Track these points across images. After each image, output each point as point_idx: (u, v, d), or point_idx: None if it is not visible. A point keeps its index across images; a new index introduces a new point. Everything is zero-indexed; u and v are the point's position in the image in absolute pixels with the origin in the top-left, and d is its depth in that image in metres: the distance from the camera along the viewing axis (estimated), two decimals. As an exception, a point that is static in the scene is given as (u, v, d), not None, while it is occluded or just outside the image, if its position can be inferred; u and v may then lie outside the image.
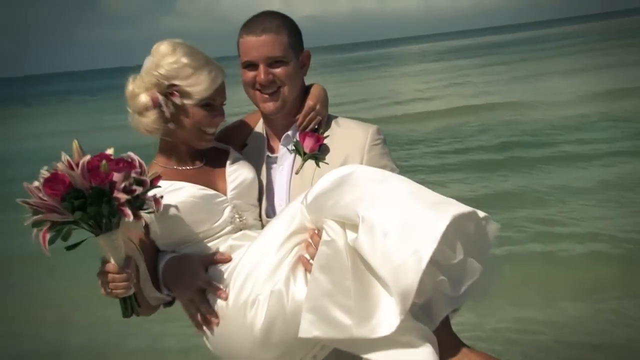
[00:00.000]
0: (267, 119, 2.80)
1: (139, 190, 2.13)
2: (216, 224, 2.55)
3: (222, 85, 2.58)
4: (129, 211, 2.08)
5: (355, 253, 2.04)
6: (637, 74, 23.21)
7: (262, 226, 2.66)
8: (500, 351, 5.35)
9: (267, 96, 2.66)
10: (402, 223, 1.96)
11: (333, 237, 2.09)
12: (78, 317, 7.33)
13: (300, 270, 2.26)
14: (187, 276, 2.45)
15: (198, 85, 2.50)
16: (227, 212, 2.57)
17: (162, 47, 2.53)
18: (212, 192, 2.57)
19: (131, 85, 2.55)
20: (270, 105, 2.68)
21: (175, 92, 2.50)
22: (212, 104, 2.56)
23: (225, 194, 2.61)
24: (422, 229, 1.93)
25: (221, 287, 2.39)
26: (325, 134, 2.72)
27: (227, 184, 2.64)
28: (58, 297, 7.99)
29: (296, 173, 2.70)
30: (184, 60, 2.50)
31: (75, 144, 2.12)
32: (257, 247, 2.37)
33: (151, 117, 2.53)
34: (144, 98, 2.51)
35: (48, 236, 2.08)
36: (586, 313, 6.09)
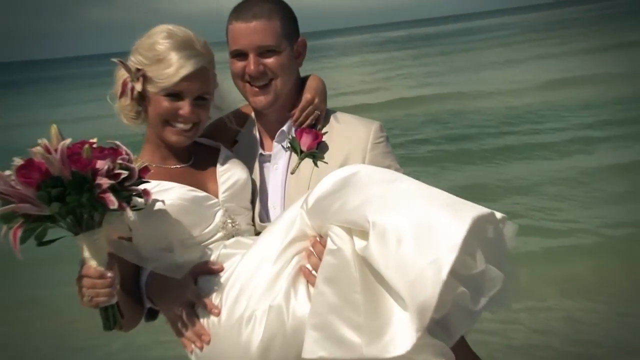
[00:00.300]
0: (260, 113, 2.61)
1: (124, 174, 1.91)
2: (207, 229, 2.36)
3: (195, 74, 2.32)
4: (112, 198, 1.86)
5: (364, 263, 1.87)
6: (576, 64, 23.65)
7: (256, 231, 2.48)
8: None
9: (257, 89, 2.48)
10: (417, 229, 1.80)
11: (339, 245, 1.91)
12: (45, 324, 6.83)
13: (302, 283, 2.08)
14: (175, 288, 2.24)
15: (162, 72, 2.29)
16: (219, 216, 2.39)
17: (150, 31, 2.36)
18: (202, 193, 2.38)
19: (116, 69, 2.40)
20: (261, 100, 2.49)
21: (140, 78, 2.33)
22: (179, 94, 2.33)
23: (216, 196, 2.42)
24: (440, 234, 1.77)
25: (213, 300, 2.19)
26: (324, 131, 2.55)
27: (219, 185, 2.45)
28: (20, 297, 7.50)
29: (292, 173, 2.52)
30: (156, 44, 2.32)
31: (53, 128, 1.90)
32: (253, 257, 2.18)
33: (123, 103, 2.38)
34: (118, 82, 2.38)
35: (19, 234, 1.83)
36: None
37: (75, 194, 1.84)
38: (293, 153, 2.53)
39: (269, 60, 2.43)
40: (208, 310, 2.17)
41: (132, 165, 1.95)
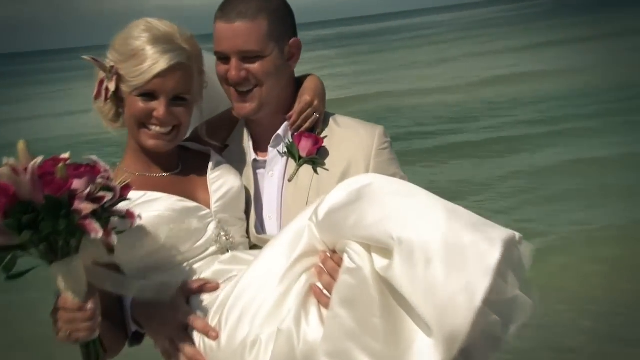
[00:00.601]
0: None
1: (107, 196, 1.67)
2: (198, 243, 2.12)
3: (171, 71, 2.07)
4: (95, 225, 1.62)
5: (384, 283, 1.71)
6: (510, 61, 24.11)
7: (250, 244, 2.26)
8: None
9: (241, 95, 2.27)
10: (447, 248, 1.64)
11: (359, 263, 1.74)
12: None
13: (313, 304, 1.88)
14: (165, 309, 2.01)
15: (134, 68, 2.07)
16: (212, 228, 2.15)
17: (129, 24, 2.14)
18: (193, 204, 2.15)
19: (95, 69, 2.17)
20: (245, 107, 2.28)
21: (114, 76, 2.10)
22: (153, 94, 2.09)
23: (208, 207, 2.18)
24: (471, 256, 1.62)
25: (210, 322, 1.97)
26: (323, 135, 2.35)
27: (210, 194, 2.21)
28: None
29: (289, 180, 2.31)
30: (131, 38, 2.10)
31: (21, 145, 1.64)
32: (255, 274, 1.96)
33: (100, 105, 2.17)
34: (96, 82, 2.16)
35: None
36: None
37: (50, 221, 1.60)
38: (290, 159, 2.32)
39: (253, 66, 2.22)
40: (204, 334, 1.96)
41: (114, 185, 1.72)
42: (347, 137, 2.34)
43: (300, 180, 2.29)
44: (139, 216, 1.89)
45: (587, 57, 22.57)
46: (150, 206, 2.03)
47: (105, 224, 1.68)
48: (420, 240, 1.65)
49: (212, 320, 1.97)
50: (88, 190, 1.63)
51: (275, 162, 2.35)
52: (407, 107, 17.70)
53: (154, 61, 2.04)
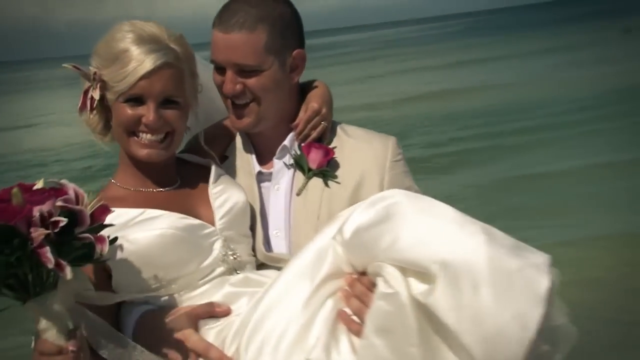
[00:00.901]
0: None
1: (62, 221, 1.45)
2: (204, 263, 1.93)
3: (158, 72, 1.89)
4: (49, 254, 1.41)
5: (421, 310, 1.59)
6: (433, 78, 24.51)
7: (257, 262, 2.08)
8: None
9: (238, 108, 2.11)
10: (494, 275, 1.54)
11: (396, 288, 1.61)
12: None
13: (342, 332, 1.72)
14: (173, 337, 1.81)
15: (117, 72, 1.89)
16: (218, 247, 1.96)
17: (113, 27, 1.96)
18: (196, 221, 1.96)
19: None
20: (241, 122, 2.13)
21: (98, 84, 1.92)
22: (140, 98, 1.91)
23: (212, 224, 1.99)
24: (520, 284, 1.54)
25: (226, 352, 1.79)
26: (332, 145, 2.20)
27: (214, 210, 2.02)
28: None
29: (297, 194, 2.15)
30: (113, 41, 1.92)
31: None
32: (276, 298, 1.79)
33: (86, 116, 1.99)
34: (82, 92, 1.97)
35: None
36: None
37: (9, 252, 1.41)
38: (298, 171, 2.17)
39: (250, 81, 2.06)
40: None
41: (79, 208, 1.50)
42: (359, 148, 2.20)
43: (309, 194, 2.14)
44: (121, 247, 1.74)
45: (506, 74, 23.20)
46: (151, 224, 1.86)
47: (69, 253, 1.47)
48: (466, 266, 1.55)
49: (229, 350, 1.80)
50: (39, 214, 1.42)
51: (282, 175, 2.19)
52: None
53: (139, 62, 1.86)
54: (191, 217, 1.96)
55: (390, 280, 1.62)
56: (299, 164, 2.16)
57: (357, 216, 1.74)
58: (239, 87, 2.06)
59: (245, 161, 2.23)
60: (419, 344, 1.58)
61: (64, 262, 1.45)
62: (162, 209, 1.93)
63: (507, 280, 1.54)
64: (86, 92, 1.95)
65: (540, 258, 1.61)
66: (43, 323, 1.54)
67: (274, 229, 2.16)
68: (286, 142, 2.19)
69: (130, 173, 2.02)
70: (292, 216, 2.15)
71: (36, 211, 1.43)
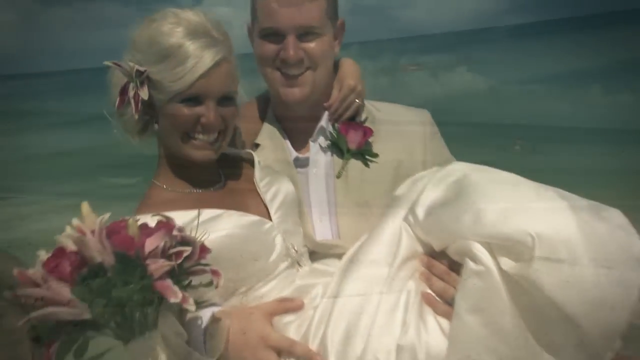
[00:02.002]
0: (283, 108, 2.11)
1: (186, 251, 1.40)
2: (270, 259, 1.84)
3: (216, 69, 1.78)
4: (174, 287, 1.33)
5: (514, 285, 1.56)
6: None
7: (309, 252, 1.99)
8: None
9: (291, 79, 2.01)
10: (589, 242, 1.51)
11: (487, 265, 1.57)
12: None
13: (429, 313, 1.67)
14: (251, 337, 1.69)
15: (172, 71, 1.76)
16: (279, 242, 1.87)
17: (150, 18, 1.83)
18: (256, 217, 1.86)
19: (110, 73, 1.85)
20: (295, 92, 2.02)
21: (145, 82, 1.79)
22: (198, 97, 1.80)
23: (268, 219, 1.91)
24: (614, 248, 1.52)
25: (309, 345, 1.70)
26: (367, 124, 2.13)
27: (267, 204, 1.94)
28: None
29: (338, 177, 2.07)
30: (161, 35, 1.77)
31: (85, 207, 1.40)
32: (355, 285, 1.73)
33: (125, 116, 1.84)
34: (115, 90, 1.83)
35: (54, 349, 1.32)
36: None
37: (122, 284, 1.38)
38: (335, 153, 2.10)
39: (310, 45, 1.97)
40: (306, 359, 1.70)
41: (193, 238, 1.45)
42: (394, 123, 2.15)
43: (350, 176, 2.07)
44: (215, 244, 1.59)
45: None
46: (214, 226, 1.73)
47: (183, 288, 1.39)
48: (559, 235, 1.52)
49: (312, 343, 1.72)
50: (162, 244, 1.41)
51: (319, 158, 2.12)
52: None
53: (197, 59, 1.75)
54: (250, 214, 1.87)
55: (481, 257, 1.58)
56: (337, 145, 2.10)
57: (429, 195, 1.73)
58: (300, 52, 1.97)
59: (280, 147, 2.13)
60: (512, 318, 1.56)
61: (187, 295, 1.38)
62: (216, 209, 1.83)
63: (602, 246, 1.52)
64: (125, 90, 1.81)
65: (619, 217, 1.61)
66: None
67: (318, 215, 2.08)
68: (322, 122, 2.13)
69: (176, 174, 1.92)
70: (335, 200, 2.07)
71: (155, 243, 1.41)
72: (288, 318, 1.78)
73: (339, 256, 1.93)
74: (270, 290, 1.83)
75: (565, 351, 1.54)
